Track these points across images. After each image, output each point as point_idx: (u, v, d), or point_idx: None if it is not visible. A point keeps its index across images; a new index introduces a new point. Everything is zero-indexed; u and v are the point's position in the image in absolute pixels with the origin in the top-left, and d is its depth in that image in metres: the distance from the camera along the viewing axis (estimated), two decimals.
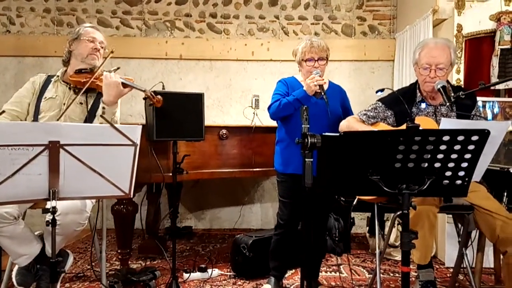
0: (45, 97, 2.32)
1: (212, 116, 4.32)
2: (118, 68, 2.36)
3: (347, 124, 2.41)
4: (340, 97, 2.63)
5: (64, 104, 2.30)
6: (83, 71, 2.34)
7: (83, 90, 2.22)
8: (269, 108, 2.54)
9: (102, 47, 2.44)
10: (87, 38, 2.40)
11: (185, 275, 2.84)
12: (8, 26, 4.34)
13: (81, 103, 2.33)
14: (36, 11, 4.34)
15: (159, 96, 2.27)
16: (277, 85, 2.64)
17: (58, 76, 2.40)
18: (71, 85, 2.35)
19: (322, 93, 2.31)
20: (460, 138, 1.50)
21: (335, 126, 2.42)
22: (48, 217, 1.59)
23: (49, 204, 1.58)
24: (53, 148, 1.49)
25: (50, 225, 1.59)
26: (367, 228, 3.65)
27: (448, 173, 1.59)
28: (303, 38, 2.59)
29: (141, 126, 1.64)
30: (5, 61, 4.29)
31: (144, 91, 2.24)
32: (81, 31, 2.43)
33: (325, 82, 2.40)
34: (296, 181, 2.49)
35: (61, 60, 2.45)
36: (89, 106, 2.33)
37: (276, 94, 2.55)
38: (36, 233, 2.19)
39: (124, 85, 2.21)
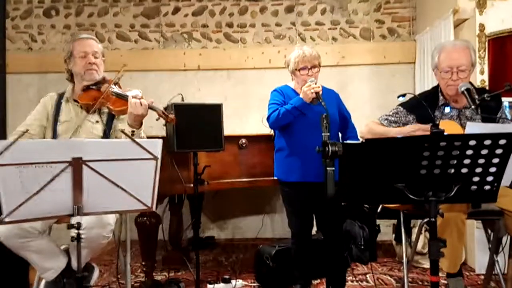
0: (60, 121, 2.32)
1: (232, 126, 4.30)
2: (122, 75, 2.35)
3: (368, 129, 2.38)
4: (336, 102, 2.67)
5: (80, 126, 2.30)
6: (90, 87, 2.31)
7: (92, 110, 2.23)
8: (268, 118, 2.58)
9: (97, 57, 2.35)
10: (79, 54, 2.33)
11: (209, 286, 2.83)
12: (30, 44, 4.46)
13: (97, 122, 2.32)
14: (57, 27, 4.45)
15: (171, 115, 2.28)
16: (272, 94, 2.68)
17: (67, 97, 2.38)
18: (83, 106, 2.33)
19: (320, 100, 2.35)
20: (487, 142, 1.45)
21: (333, 131, 2.41)
22: (73, 232, 1.61)
23: (73, 220, 1.59)
24: (76, 165, 1.51)
25: (75, 240, 1.61)
26: (393, 235, 3.57)
27: (476, 179, 1.55)
28: (296, 47, 2.63)
29: (161, 140, 1.64)
30: (28, 78, 4.39)
31: (159, 114, 2.25)
32: (71, 49, 2.36)
33: (320, 89, 2.42)
34: (299, 189, 2.52)
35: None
36: (105, 122, 2.34)
37: (273, 104, 2.59)
38: (62, 247, 2.22)
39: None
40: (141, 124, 2.23)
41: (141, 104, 2.15)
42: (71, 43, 2.38)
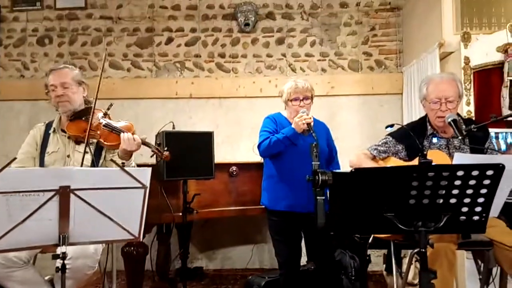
0: (48, 152, 2.30)
1: (223, 153, 4.31)
2: (111, 105, 2.34)
3: (357, 161, 2.40)
4: (325, 135, 2.72)
5: (68, 156, 2.28)
6: (77, 118, 2.30)
7: (86, 143, 2.18)
8: (259, 146, 2.61)
9: (66, 87, 2.31)
10: (50, 88, 2.33)
11: None
12: (22, 71, 4.47)
13: (86, 152, 2.27)
14: (50, 56, 4.47)
15: (166, 153, 2.29)
16: (265, 121, 2.71)
17: (54, 127, 2.36)
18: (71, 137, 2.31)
19: (311, 131, 2.39)
20: (475, 173, 1.46)
21: (321, 162, 2.42)
22: (58, 263, 1.57)
23: (59, 250, 1.56)
24: (64, 193, 1.49)
25: (60, 271, 1.57)
26: (384, 265, 3.54)
27: (465, 209, 1.55)
28: (290, 79, 2.70)
29: (150, 169, 1.63)
30: (19, 105, 4.38)
31: (153, 150, 2.26)
32: (47, 81, 2.35)
33: (312, 120, 2.46)
34: (287, 218, 2.51)
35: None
36: (93, 152, 2.31)
37: (265, 131, 2.62)
38: (46, 278, 2.16)
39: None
40: (131, 155, 2.22)
41: (134, 140, 2.16)
42: (47, 77, 2.38)
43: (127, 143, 2.15)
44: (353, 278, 3.24)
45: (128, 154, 2.19)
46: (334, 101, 4.35)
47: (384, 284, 3.54)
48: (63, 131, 2.35)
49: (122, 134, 2.19)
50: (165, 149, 2.34)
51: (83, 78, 2.45)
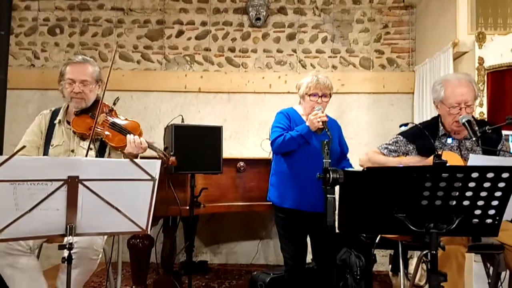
0: (52, 145, 2.27)
1: (230, 148, 4.30)
2: (118, 99, 2.31)
3: (367, 158, 2.37)
4: (337, 134, 2.66)
5: (72, 151, 2.25)
6: (84, 113, 2.26)
7: (90, 140, 2.14)
8: (272, 142, 2.54)
9: (85, 85, 2.25)
10: (66, 80, 2.26)
11: None
12: (33, 60, 4.48)
13: (90, 149, 2.21)
14: (60, 46, 4.48)
15: (172, 158, 2.27)
16: (278, 116, 2.63)
17: (60, 119, 2.32)
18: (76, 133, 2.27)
19: (326, 129, 2.34)
20: (490, 175, 1.43)
21: (334, 161, 2.40)
22: (65, 253, 1.56)
23: (66, 240, 1.55)
24: (72, 183, 1.48)
25: (65, 261, 1.56)
26: (390, 266, 3.51)
27: (478, 212, 1.52)
28: (310, 73, 2.64)
29: (160, 161, 1.62)
30: (29, 94, 4.39)
31: (159, 155, 2.23)
32: (63, 71, 2.28)
33: (327, 119, 2.42)
34: (294, 216, 2.48)
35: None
36: (97, 148, 2.29)
37: (278, 127, 2.55)
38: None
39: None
40: (136, 156, 2.20)
41: (141, 144, 2.14)
42: (64, 66, 2.32)
43: (133, 146, 2.13)
44: (358, 277, 3.21)
45: (134, 156, 2.16)
46: (344, 99, 4.31)
47: (389, 284, 3.52)
48: (68, 122, 2.32)
49: (128, 136, 2.15)
50: (171, 153, 2.32)
51: (101, 75, 2.38)
